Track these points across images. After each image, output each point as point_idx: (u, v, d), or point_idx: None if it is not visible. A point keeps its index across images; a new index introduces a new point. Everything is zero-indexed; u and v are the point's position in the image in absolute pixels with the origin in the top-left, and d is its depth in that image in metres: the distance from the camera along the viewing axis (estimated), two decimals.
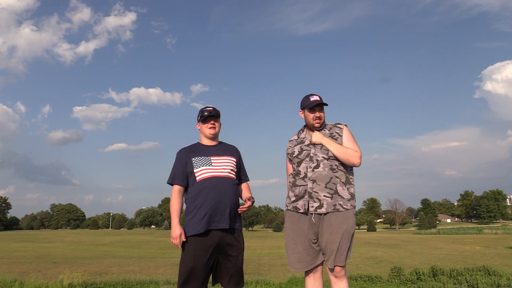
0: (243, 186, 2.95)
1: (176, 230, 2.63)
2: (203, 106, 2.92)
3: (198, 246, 2.60)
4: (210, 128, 2.81)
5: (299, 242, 2.68)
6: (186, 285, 2.57)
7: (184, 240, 2.64)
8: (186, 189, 2.78)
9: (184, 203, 2.78)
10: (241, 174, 2.93)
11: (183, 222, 2.71)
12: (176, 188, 2.75)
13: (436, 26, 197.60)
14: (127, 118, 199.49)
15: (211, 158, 2.76)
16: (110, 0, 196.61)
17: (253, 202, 2.86)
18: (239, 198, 2.86)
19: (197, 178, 2.69)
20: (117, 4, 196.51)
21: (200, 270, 2.57)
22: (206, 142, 2.87)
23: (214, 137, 2.86)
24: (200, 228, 2.60)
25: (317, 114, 2.77)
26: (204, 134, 2.86)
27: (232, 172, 2.77)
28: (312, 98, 2.79)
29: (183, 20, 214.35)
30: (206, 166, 2.72)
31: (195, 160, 2.74)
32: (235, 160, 2.84)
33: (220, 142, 2.93)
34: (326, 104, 2.80)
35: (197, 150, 2.82)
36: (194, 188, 2.69)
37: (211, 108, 2.85)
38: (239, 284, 2.70)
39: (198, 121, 2.89)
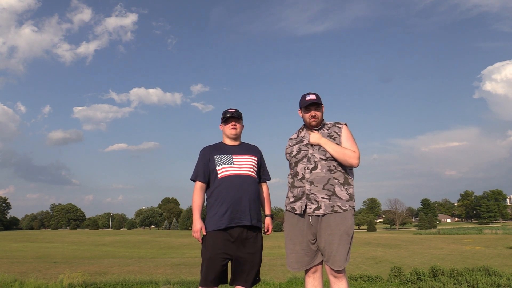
0: (264, 188, 3.08)
1: (197, 224, 2.76)
2: (226, 108, 3.05)
3: (218, 238, 2.71)
4: (231, 128, 2.95)
5: (298, 243, 2.69)
6: (206, 276, 2.68)
7: (205, 234, 2.76)
8: (208, 186, 2.89)
9: (205, 200, 2.91)
10: (261, 173, 3.04)
11: (204, 217, 2.84)
12: (198, 185, 2.87)
13: (436, 26, 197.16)
14: (127, 118, 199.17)
15: (233, 156, 2.89)
16: (111, 1, 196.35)
17: (272, 217, 3.05)
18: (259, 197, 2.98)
19: (219, 176, 2.81)
20: (118, 5, 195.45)
21: (218, 260, 2.68)
22: (228, 142, 3.00)
23: (235, 137, 2.99)
24: (221, 224, 2.71)
25: (312, 113, 2.78)
26: (226, 134, 3.00)
27: (253, 170, 2.90)
28: (308, 97, 2.80)
29: (183, 21, 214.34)
30: (227, 164, 2.85)
31: (217, 158, 2.87)
32: (256, 159, 2.97)
33: (242, 142, 3.06)
34: (321, 104, 2.81)
35: (220, 148, 2.96)
36: (215, 185, 2.81)
37: (233, 110, 3.00)
38: (256, 280, 2.81)
39: (221, 123, 3.02)
